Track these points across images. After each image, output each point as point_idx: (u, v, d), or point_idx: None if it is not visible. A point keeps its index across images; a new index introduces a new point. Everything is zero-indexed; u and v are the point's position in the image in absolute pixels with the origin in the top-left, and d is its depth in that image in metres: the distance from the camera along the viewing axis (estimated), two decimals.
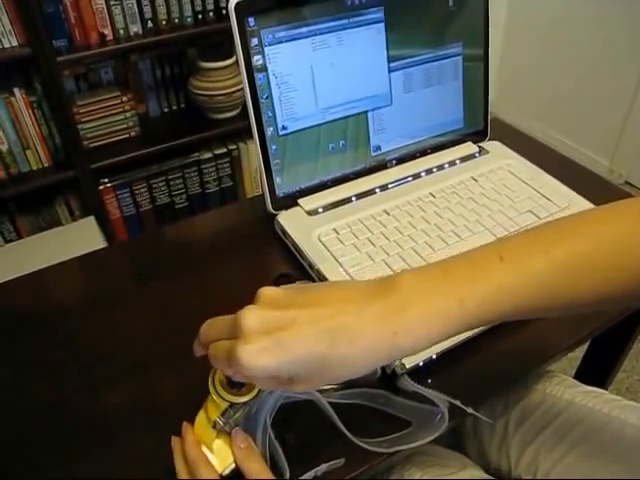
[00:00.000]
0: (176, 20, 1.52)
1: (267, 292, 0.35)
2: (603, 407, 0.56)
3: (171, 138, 1.61)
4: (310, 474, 0.42)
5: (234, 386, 0.40)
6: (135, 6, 1.44)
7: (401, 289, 0.33)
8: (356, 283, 0.37)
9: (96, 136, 1.55)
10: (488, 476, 0.55)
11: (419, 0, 0.65)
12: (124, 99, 1.55)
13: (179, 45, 1.62)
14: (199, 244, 0.69)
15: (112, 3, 1.41)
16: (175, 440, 0.42)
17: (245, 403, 0.40)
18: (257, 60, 0.58)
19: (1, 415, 0.49)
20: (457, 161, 0.74)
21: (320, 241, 0.62)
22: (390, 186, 0.70)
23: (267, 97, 0.60)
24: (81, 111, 1.49)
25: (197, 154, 1.70)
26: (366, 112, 0.67)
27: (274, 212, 0.66)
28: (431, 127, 0.73)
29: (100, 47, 1.43)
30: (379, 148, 0.70)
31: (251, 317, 0.33)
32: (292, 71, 0.61)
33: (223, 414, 0.40)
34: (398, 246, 0.60)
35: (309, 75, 0.62)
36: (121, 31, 1.46)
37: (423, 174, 0.72)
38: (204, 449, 0.41)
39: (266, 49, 0.58)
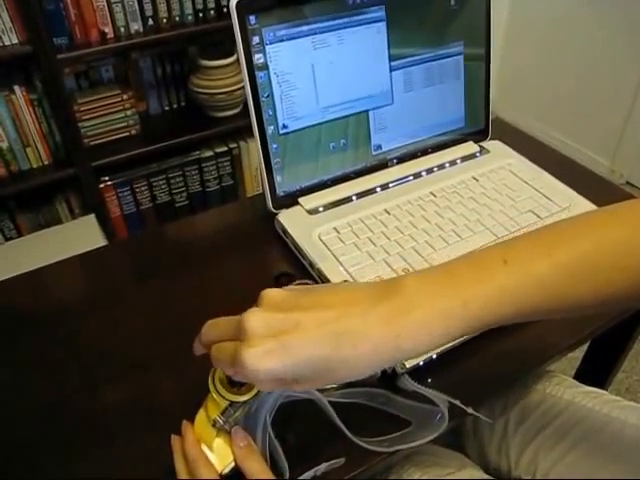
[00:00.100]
0: (177, 18, 1.52)
1: (271, 294, 0.34)
2: (603, 407, 0.56)
3: (171, 136, 1.60)
4: (310, 473, 0.42)
5: (234, 385, 0.40)
6: (136, 4, 1.44)
7: (405, 291, 0.33)
8: (360, 285, 0.37)
9: (96, 134, 1.55)
10: (487, 476, 0.55)
11: None
12: (125, 97, 1.55)
13: (180, 43, 1.62)
14: (199, 243, 0.69)
15: (113, 1, 1.40)
16: (175, 439, 0.42)
17: (245, 402, 0.40)
18: (258, 58, 0.58)
19: (1, 415, 0.49)
20: (458, 160, 0.74)
21: (321, 240, 0.62)
22: (391, 185, 0.70)
23: (268, 95, 0.60)
24: (82, 109, 1.49)
25: (197, 152, 1.70)
26: (367, 111, 0.67)
27: (274, 211, 0.66)
28: (432, 126, 0.73)
29: (101, 45, 1.43)
30: (380, 147, 0.70)
31: (255, 320, 0.33)
32: (293, 70, 0.61)
33: (223, 413, 0.40)
34: (399, 245, 0.60)
35: (310, 74, 0.62)
36: (122, 29, 1.45)
37: (424, 173, 0.72)
38: (204, 448, 0.41)
39: (267, 47, 0.58)
